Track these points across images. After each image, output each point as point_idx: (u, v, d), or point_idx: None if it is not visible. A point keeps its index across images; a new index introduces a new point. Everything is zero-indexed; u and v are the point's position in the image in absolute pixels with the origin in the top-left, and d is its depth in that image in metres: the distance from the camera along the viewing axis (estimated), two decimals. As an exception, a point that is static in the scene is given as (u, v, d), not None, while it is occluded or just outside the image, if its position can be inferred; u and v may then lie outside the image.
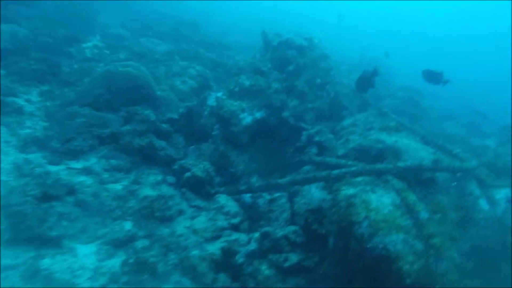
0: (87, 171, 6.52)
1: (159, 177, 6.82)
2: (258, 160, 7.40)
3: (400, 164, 5.22)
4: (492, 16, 59.94)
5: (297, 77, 7.27)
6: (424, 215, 4.41)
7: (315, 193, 6.05)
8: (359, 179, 4.99)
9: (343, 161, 5.95)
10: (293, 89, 7.15)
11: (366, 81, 6.77)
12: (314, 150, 8.56)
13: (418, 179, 5.49)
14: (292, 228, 5.70)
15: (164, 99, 8.18)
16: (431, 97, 15.13)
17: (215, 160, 7.19)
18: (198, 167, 6.38)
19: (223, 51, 14.55)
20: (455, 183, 5.53)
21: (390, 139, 6.25)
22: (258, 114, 7.18)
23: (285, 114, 6.96)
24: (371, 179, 4.97)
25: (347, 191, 4.79)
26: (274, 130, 7.23)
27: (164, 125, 7.83)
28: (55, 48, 10.76)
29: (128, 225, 5.64)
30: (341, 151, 6.63)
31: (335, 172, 5.25)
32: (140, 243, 5.39)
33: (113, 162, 6.94)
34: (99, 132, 7.13)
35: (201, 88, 9.29)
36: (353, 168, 5.18)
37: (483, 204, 5.35)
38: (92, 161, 6.84)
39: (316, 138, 8.94)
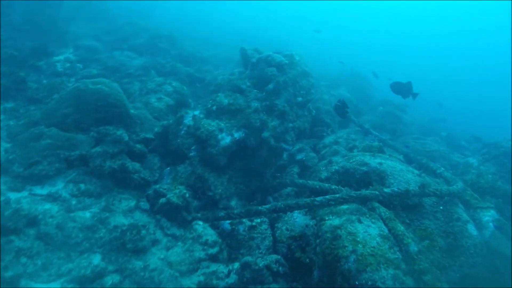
0: (52, 197, 6.03)
1: (132, 203, 6.38)
2: (237, 182, 7.06)
3: (387, 190, 4.98)
4: (487, 28, 61.04)
5: (277, 96, 7.00)
6: (413, 248, 4.16)
7: (297, 219, 5.76)
8: (344, 207, 4.72)
9: (326, 185, 5.69)
10: (273, 109, 6.87)
11: (340, 110, 6.74)
12: (296, 169, 8.31)
13: (404, 203, 5.28)
14: (274, 257, 5.36)
15: (138, 118, 7.76)
16: (410, 110, 15.21)
17: (192, 183, 6.81)
18: (174, 193, 5.98)
19: (200, 65, 14.21)
20: (442, 207, 5.34)
21: (374, 161, 6.03)
22: (237, 135, 6.86)
23: (265, 134, 6.66)
24: (357, 207, 4.70)
25: (332, 221, 4.51)
26: (254, 151, 6.91)
27: (138, 146, 7.40)
28: (21, 61, 10.18)
29: (96, 259, 5.17)
30: (324, 174, 6.37)
31: (319, 199, 4.96)
32: (109, 279, 4.94)
33: (82, 186, 6.48)
34: (66, 154, 6.65)
35: (177, 105, 8.91)
36: (337, 195, 4.91)
37: (472, 229, 5.17)
38: (58, 186, 6.35)
39: (298, 157, 8.70)
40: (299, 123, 7.19)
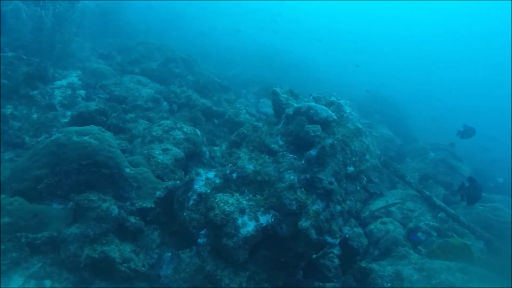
0: (0, 308, 4.25)
1: (113, 318, 4.54)
2: (261, 279, 5.13)
3: None
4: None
5: (322, 167, 5.07)
6: None
7: None
8: None
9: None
10: (316, 186, 4.94)
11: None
12: (336, 250, 6.37)
13: None
14: None
15: (135, 180, 5.95)
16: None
17: (199, 283, 4.94)
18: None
19: (220, 94, 12.44)
20: None
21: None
22: (264, 219, 4.94)
23: (304, 224, 4.72)
24: None
25: None
26: (285, 243, 4.99)
27: (132, 219, 5.60)
28: (11, 92, 8.60)
29: None
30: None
31: None
32: None
33: (47, 284, 4.71)
34: (30, 237, 4.88)
35: (188, 157, 7.08)
36: None
37: None
38: (14, 285, 4.58)
39: (338, 233, 6.71)
40: (350, 203, 5.21)
